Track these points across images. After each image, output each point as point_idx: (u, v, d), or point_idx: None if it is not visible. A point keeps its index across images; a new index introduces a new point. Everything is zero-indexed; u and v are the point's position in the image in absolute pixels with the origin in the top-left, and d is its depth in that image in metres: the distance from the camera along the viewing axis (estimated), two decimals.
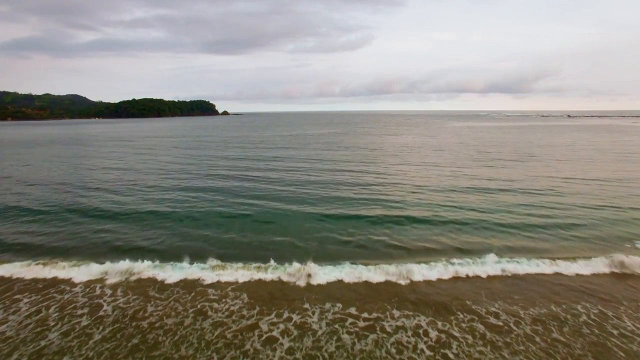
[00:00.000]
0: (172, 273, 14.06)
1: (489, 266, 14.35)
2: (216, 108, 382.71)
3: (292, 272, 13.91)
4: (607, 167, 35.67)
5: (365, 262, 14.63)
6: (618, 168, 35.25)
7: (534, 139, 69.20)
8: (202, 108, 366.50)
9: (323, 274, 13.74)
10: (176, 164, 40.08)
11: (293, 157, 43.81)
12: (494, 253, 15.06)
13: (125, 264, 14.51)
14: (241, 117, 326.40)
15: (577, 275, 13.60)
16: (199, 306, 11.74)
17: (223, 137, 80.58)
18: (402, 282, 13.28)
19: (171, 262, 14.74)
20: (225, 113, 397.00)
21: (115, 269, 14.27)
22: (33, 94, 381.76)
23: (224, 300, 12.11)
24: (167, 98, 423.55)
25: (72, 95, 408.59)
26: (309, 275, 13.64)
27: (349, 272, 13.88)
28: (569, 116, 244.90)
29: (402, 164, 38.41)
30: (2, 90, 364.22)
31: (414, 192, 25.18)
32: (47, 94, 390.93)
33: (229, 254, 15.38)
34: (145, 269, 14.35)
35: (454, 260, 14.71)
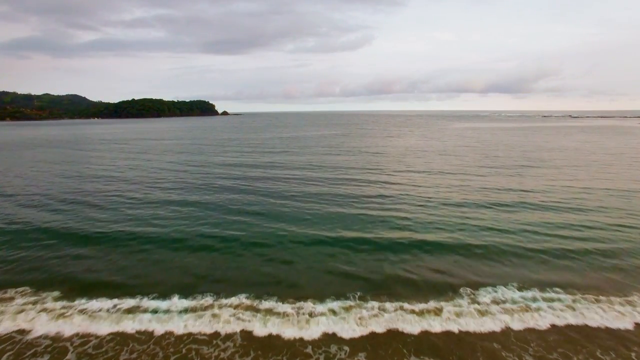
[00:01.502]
0: (152, 307, 12.06)
1: (513, 305, 12.15)
2: (216, 108, 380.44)
3: (291, 311, 11.83)
4: (626, 175, 33.34)
5: (374, 296, 12.47)
6: (639, 176, 32.91)
7: (541, 142, 66.92)
8: (202, 108, 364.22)
9: (326, 312, 11.76)
10: (166, 171, 37.78)
11: (291, 164, 41.49)
12: (522, 288, 12.81)
13: (91, 304, 12.42)
14: (241, 117, 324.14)
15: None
16: (183, 350, 10.00)
17: (219, 140, 78.31)
18: (417, 327, 11.09)
19: (151, 296, 12.63)
20: (224, 113, 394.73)
21: (77, 307, 12.19)
22: (32, 94, 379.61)
23: (213, 342, 10.32)
24: (166, 98, 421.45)
25: (71, 95, 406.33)
26: (311, 314, 11.65)
27: (355, 311, 11.79)
28: (570, 116, 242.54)
29: (406, 171, 36.10)
30: (1, 90, 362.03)
31: (421, 206, 22.88)
32: (47, 94, 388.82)
33: (217, 287, 13.29)
34: (119, 305, 12.23)
35: (467, 298, 12.45)
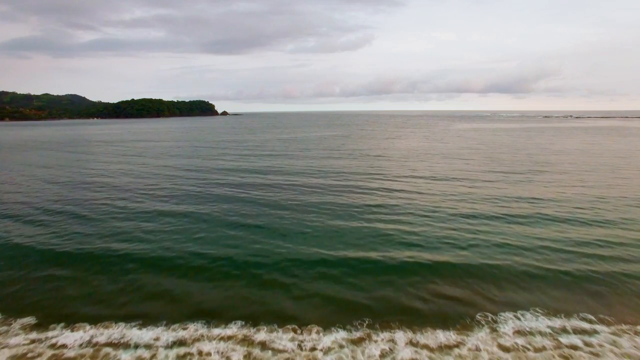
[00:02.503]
0: (134, 340, 10.80)
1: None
2: (215, 108, 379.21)
3: (291, 346, 10.53)
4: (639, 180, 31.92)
5: (383, 326, 11.23)
6: None
7: (545, 143, 65.58)
8: (201, 108, 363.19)
9: (331, 346, 10.51)
10: (161, 177, 36.34)
11: (290, 169, 40.06)
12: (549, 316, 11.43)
13: (65, 336, 11.14)
14: (240, 117, 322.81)
15: None
16: None
17: (217, 142, 76.85)
18: None
19: (134, 325, 11.40)
20: (224, 113, 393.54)
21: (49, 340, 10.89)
22: (32, 93, 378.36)
23: None
24: (166, 98, 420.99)
25: (71, 95, 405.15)
26: (313, 349, 10.37)
27: (365, 346, 10.51)
28: (572, 117, 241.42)
29: (410, 176, 34.67)
30: (0, 90, 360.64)
31: (427, 217, 21.47)
32: (46, 94, 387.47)
33: (208, 314, 11.97)
34: (96, 338, 10.90)
35: (487, 328, 11.08)
